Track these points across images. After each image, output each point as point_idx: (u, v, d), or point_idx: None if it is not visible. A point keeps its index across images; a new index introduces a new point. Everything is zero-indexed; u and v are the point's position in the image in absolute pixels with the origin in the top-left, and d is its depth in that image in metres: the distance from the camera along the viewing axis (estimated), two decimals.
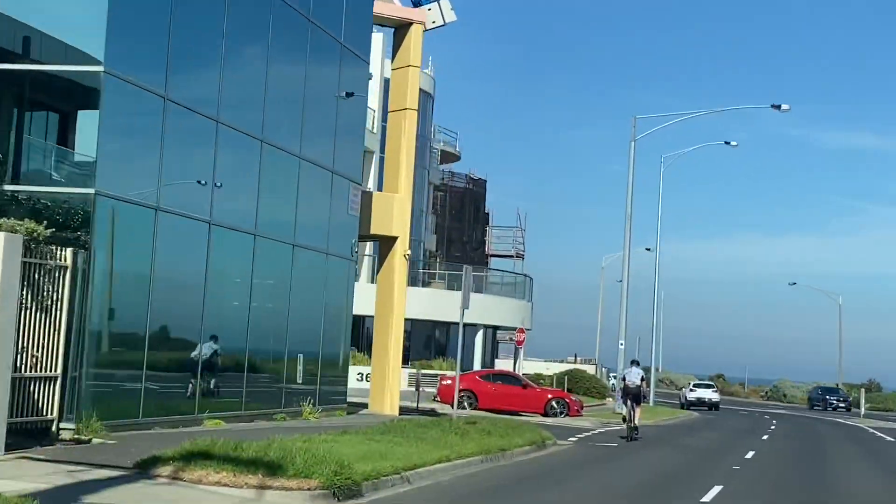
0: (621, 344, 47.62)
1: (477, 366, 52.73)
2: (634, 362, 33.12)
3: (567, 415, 41.54)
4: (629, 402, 31.17)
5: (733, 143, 64.71)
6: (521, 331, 45.86)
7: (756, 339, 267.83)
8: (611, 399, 77.69)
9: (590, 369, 75.04)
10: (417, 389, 40.07)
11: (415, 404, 38.46)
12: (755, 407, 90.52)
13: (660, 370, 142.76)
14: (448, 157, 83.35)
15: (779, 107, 46.36)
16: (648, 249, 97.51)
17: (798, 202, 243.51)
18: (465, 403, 41.30)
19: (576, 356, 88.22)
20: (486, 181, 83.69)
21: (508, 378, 42.62)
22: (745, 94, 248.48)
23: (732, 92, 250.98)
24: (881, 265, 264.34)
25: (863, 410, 71.10)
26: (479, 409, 41.10)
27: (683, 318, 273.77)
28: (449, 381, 41.91)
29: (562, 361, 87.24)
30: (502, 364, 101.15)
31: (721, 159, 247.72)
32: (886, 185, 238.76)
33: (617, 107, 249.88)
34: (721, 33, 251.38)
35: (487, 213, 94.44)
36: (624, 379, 32.28)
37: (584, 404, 61.09)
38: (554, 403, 41.79)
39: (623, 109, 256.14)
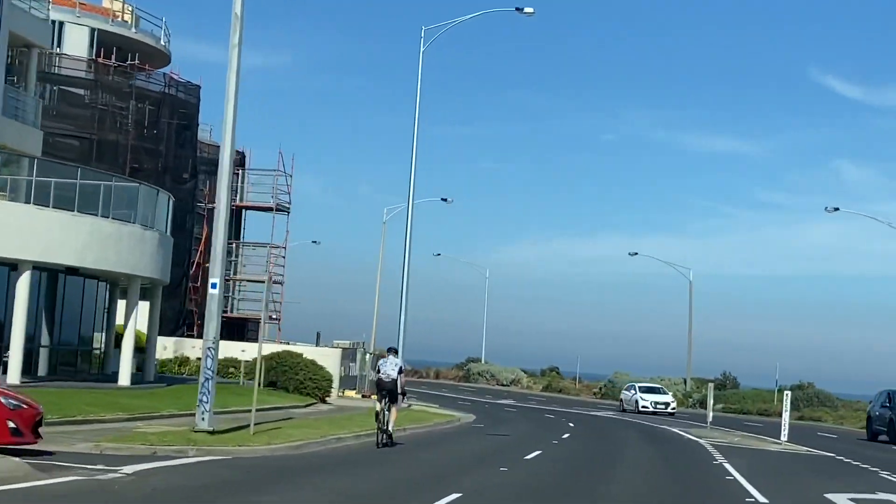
0: (212, 285, 23.70)
1: (17, 342, 28.38)
2: (392, 350, 27.56)
3: None
4: (384, 401, 25.87)
5: (528, 9, 45.78)
6: None
7: (604, 335, 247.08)
8: (340, 397, 53.62)
9: (332, 354, 51.40)
10: None
11: None
12: (579, 406, 68.55)
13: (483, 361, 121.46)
14: (149, 54, 58.71)
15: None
16: (445, 199, 78.26)
17: (662, 204, 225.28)
18: None
19: (318, 336, 64.10)
20: (199, 87, 58.95)
21: None
22: (612, 95, 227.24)
23: (600, 92, 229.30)
24: (737, 266, 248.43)
25: (710, 415, 47.94)
26: None
27: (529, 315, 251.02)
28: None
29: (336, 347, 63.25)
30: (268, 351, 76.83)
31: (588, 161, 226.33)
32: (745, 188, 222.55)
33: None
34: (590, 32, 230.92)
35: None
36: (378, 371, 26.43)
37: (282, 404, 37.49)
38: None
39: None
